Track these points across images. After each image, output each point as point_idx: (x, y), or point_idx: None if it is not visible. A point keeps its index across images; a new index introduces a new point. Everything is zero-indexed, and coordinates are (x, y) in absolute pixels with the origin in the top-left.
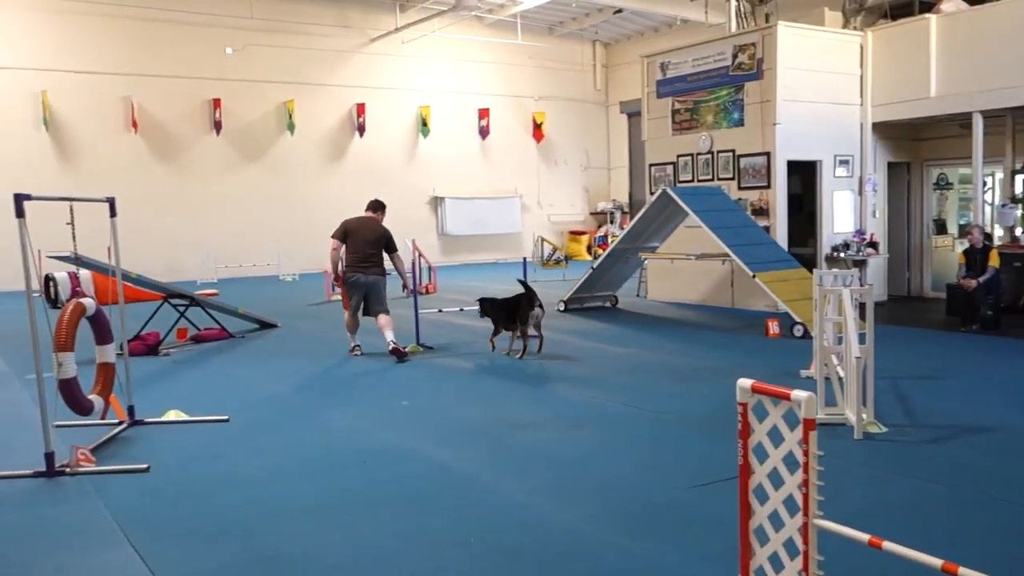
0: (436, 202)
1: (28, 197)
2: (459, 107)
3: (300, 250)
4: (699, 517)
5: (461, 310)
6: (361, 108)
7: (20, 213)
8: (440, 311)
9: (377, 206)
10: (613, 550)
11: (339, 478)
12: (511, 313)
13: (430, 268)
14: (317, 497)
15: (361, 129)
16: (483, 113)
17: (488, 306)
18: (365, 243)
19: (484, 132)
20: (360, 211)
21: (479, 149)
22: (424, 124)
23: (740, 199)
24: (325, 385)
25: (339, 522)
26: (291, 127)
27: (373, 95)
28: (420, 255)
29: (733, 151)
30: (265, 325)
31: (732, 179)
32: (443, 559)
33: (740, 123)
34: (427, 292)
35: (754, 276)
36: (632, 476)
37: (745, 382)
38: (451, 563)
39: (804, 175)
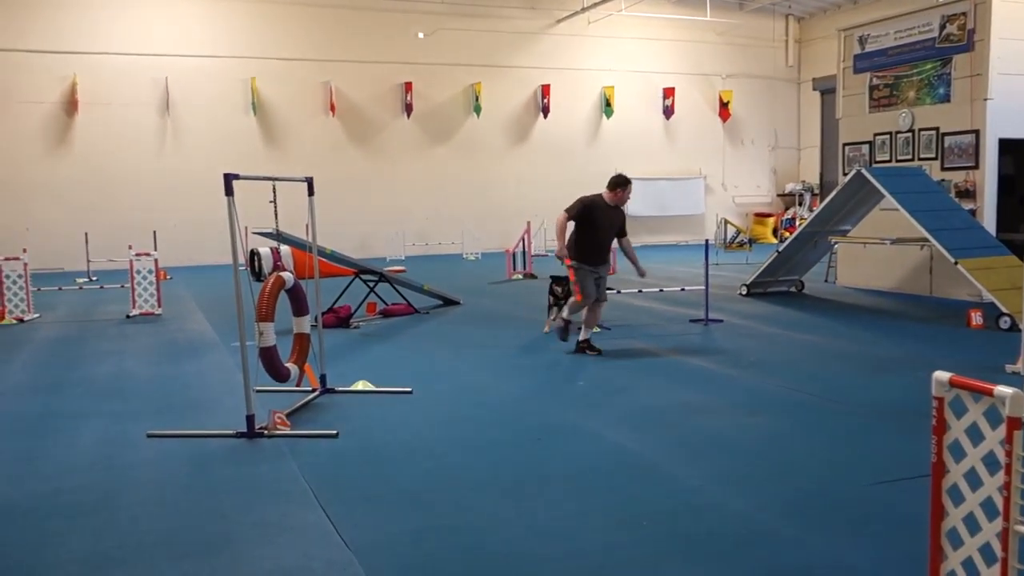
0: None
1: (236, 177)
2: (643, 86)
3: (484, 230)
4: (883, 515)
5: (640, 291)
6: (546, 89)
7: (229, 191)
8: (619, 292)
9: (620, 182)
10: (790, 543)
11: (514, 453)
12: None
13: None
14: (494, 471)
15: (545, 110)
16: (668, 92)
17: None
18: (605, 234)
19: (668, 112)
20: (543, 192)
21: (663, 129)
22: (608, 104)
23: (943, 180)
24: (502, 362)
25: (514, 496)
26: (478, 109)
27: (558, 76)
28: None
29: (937, 129)
30: (448, 302)
31: (935, 159)
32: (615, 539)
33: (946, 99)
34: None
35: (956, 263)
36: (812, 467)
37: (942, 375)
38: (622, 544)
39: (1018, 155)
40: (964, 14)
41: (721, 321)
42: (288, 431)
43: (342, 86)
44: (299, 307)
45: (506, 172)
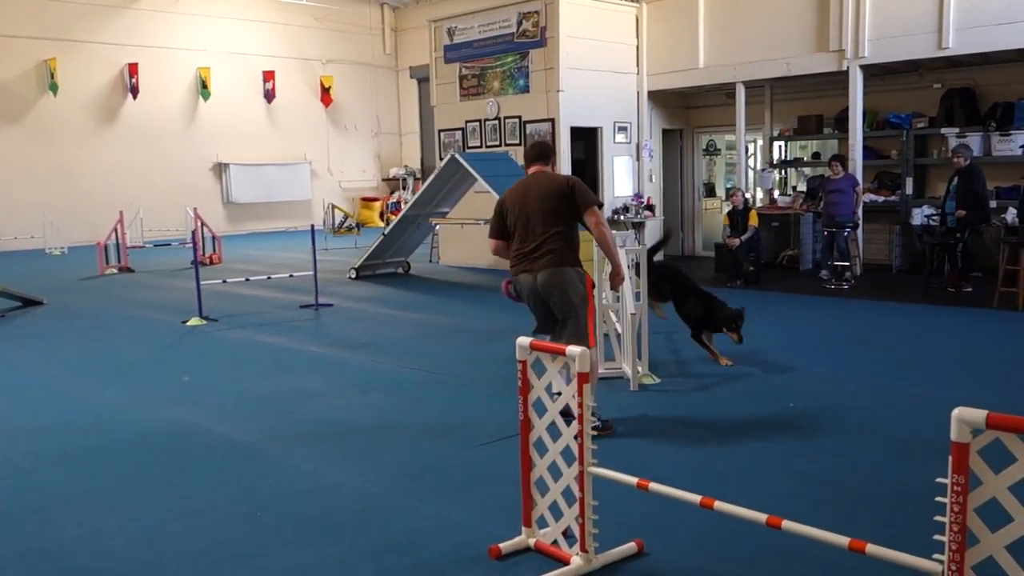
0: (220, 168)
1: None
2: (242, 69)
3: (69, 221)
4: (486, 474)
5: (247, 280)
6: (134, 68)
7: None
8: (224, 281)
9: (543, 152)
10: (403, 511)
11: (114, 460)
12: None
13: (214, 238)
14: (90, 481)
15: (134, 91)
16: (268, 76)
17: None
18: (530, 218)
19: (270, 96)
20: (138, 178)
21: (265, 113)
22: (204, 86)
23: None
24: (98, 363)
25: (115, 506)
26: (54, 88)
27: (146, 55)
28: (203, 224)
29: (519, 117)
30: (29, 302)
31: (519, 145)
32: (229, 534)
33: (526, 90)
34: (211, 263)
35: None
36: (421, 438)
37: (524, 340)
38: (237, 537)
39: (587, 141)
40: (537, 12)
41: (331, 305)
42: None
43: None
44: None
45: (93, 157)
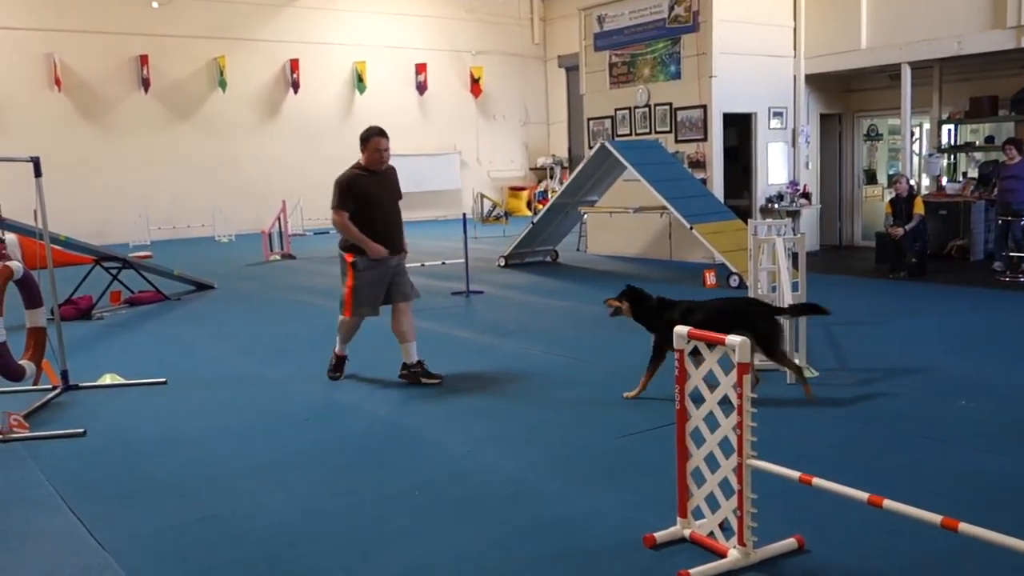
0: None
1: None
2: (396, 62)
3: (236, 210)
4: (638, 463)
5: None
6: (295, 64)
7: None
8: None
9: (362, 138)
10: (555, 496)
11: (281, 436)
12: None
13: None
14: (259, 456)
15: (295, 85)
16: (420, 68)
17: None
18: (391, 206)
19: (422, 88)
20: (298, 169)
21: (417, 105)
22: (360, 80)
23: (677, 152)
24: (265, 345)
25: (282, 480)
26: (223, 84)
27: (307, 50)
28: None
29: (670, 104)
30: (202, 287)
31: (669, 132)
32: (388, 512)
33: (677, 76)
34: None
35: (691, 228)
36: (571, 426)
37: (681, 329)
38: (396, 515)
39: (739, 127)
40: None
41: (482, 292)
42: (27, 433)
43: (68, 58)
44: (32, 299)
45: (257, 149)
